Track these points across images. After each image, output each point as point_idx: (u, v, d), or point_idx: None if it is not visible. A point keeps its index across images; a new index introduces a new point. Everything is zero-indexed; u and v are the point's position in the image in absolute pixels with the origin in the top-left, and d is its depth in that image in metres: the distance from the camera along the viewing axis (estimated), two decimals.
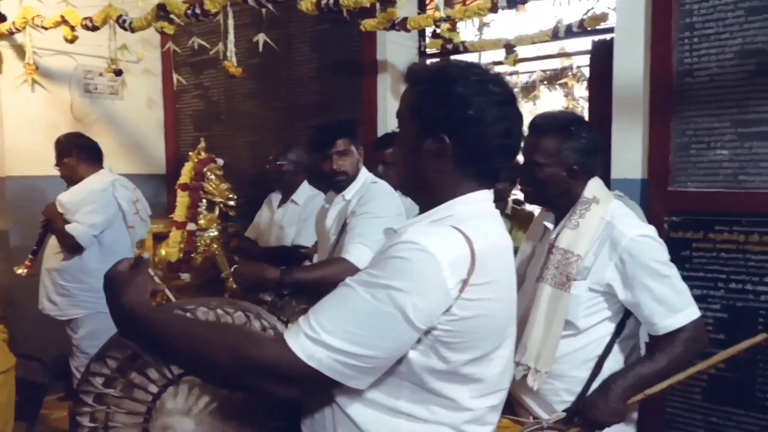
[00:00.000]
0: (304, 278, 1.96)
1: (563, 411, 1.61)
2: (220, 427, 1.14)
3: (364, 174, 2.28)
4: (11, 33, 3.82)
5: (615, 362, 1.64)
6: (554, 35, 3.17)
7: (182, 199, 3.73)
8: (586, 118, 3.33)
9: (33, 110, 4.09)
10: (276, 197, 3.35)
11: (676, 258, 2.53)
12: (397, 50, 3.72)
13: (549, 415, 1.62)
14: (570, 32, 3.13)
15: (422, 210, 1.12)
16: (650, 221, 2.09)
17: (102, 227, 3.20)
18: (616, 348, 1.63)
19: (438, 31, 3.26)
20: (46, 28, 3.71)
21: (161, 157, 4.95)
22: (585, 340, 1.62)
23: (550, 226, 1.72)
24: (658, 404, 2.62)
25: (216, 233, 3.74)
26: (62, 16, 3.57)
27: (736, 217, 2.49)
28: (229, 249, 3.35)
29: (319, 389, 1.01)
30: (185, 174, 3.74)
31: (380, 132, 3.63)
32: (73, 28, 3.59)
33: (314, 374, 0.94)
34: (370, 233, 2.01)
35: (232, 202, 3.71)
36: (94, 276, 3.13)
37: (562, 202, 1.67)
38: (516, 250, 1.83)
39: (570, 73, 6.71)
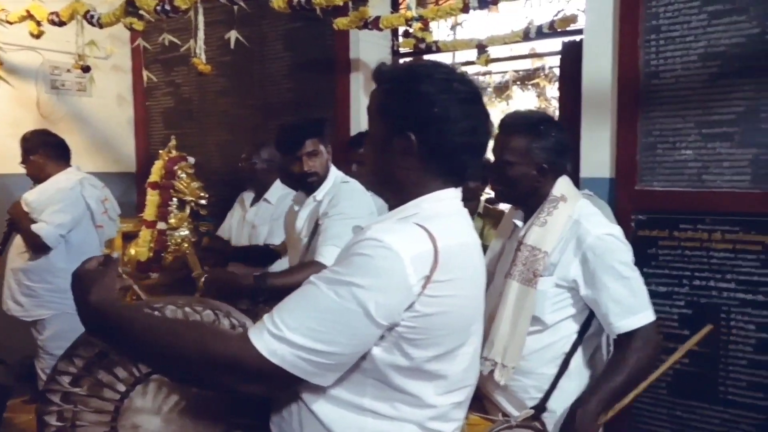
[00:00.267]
0: (279, 284, 1.93)
1: (531, 408, 1.63)
2: (191, 425, 1.13)
3: (334, 173, 2.26)
4: None
5: (581, 360, 1.67)
6: (525, 36, 3.21)
7: (152, 197, 3.68)
8: (557, 118, 3.38)
9: None
10: (248, 196, 3.33)
11: (643, 256, 2.61)
12: (370, 49, 3.73)
13: (518, 411, 1.64)
14: (541, 33, 3.17)
15: (391, 208, 1.13)
16: (618, 220, 2.12)
17: (69, 227, 3.15)
18: (582, 346, 1.66)
19: (410, 30, 3.27)
20: (10, 23, 3.61)
21: (131, 155, 4.88)
22: (552, 337, 1.64)
23: (519, 223, 1.74)
24: None
25: (187, 232, 3.70)
26: (28, 11, 3.48)
27: (699, 215, 2.56)
28: (201, 248, 3.32)
29: (284, 386, 1.02)
30: (155, 172, 3.69)
31: (354, 131, 3.64)
32: (39, 23, 3.51)
33: (277, 371, 0.95)
34: (343, 234, 1.98)
35: (203, 201, 3.67)
36: (60, 276, 3.08)
37: (531, 201, 1.70)
38: (487, 249, 1.86)
39: (542, 74, 6.79)
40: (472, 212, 3.00)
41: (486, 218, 3.10)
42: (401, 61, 3.75)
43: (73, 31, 3.56)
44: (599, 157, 2.75)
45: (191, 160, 3.73)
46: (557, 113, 4.44)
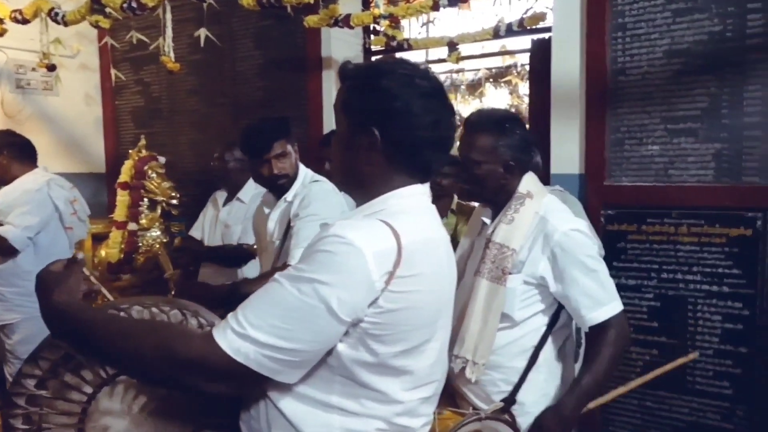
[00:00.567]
0: (254, 291, 1.91)
1: (501, 401, 1.65)
2: (161, 426, 1.12)
3: (303, 171, 2.23)
4: None
5: (550, 352, 1.69)
6: (495, 34, 3.24)
7: (122, 198, 3.64)
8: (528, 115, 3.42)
9: None
10: (221, 195, 3.30)
11: (612, 250, 2.66)
12: (341, 47, 3.72)
13: (488, 404, 1.66)
14: (511, 31, 3.20)
15: (358, 205, 1.13)
16: (588, 215, 2.16)
17: (37, 229, 3.09)
18: (550, 339, 1.69)
19: (379, 28, 3.28)
20: None
21: (100, 156, 4.81)
22: (521, 331, 1.66)
23: (487, 221, 1.76)
24: None
25: (158, 233, 3.66)
26: None
27: (666, 209, 2.61)
28: (173, 249, 3.29)
29: (249, 385, 1.01)
30: (125, 172, 3.64)
31: (326, 129, 3.63)
32: (1, 21, 3.44)
33: (242, 369, 0.95)
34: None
35: (174, 201, 3.63)
36: (29, 279, 2.95)
37: (499, 198, 1.71)
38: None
39: (515, 71, 6.83)
40: (446, 209, 3.01)
41: (460, 215, 3.12)
42: (372, 59, 3.76)
43: (38, 29, 3.50)
44: (569, 153, 2.79)
45: (162, 159, 3.69)
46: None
